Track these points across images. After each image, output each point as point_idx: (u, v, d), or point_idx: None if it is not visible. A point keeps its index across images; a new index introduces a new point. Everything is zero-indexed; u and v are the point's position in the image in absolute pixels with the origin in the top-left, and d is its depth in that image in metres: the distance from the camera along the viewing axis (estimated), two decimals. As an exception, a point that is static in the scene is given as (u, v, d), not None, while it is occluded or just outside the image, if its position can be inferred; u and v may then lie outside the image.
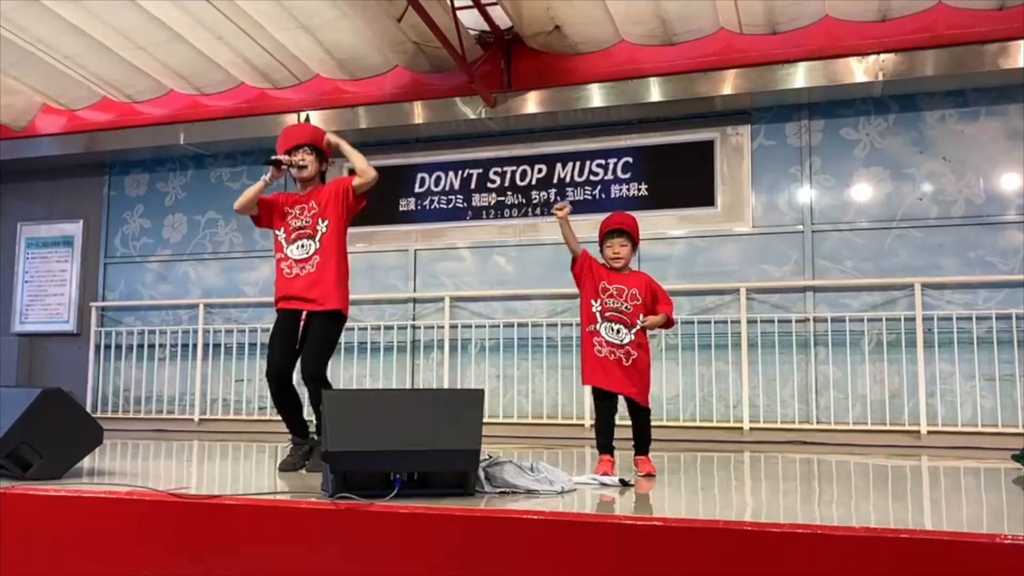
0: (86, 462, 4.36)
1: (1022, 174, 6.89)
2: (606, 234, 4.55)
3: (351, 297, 4.84)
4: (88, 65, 8.00)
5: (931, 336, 6.83)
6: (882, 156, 7.21)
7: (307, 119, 5.13)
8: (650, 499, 3.70)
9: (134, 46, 7.64)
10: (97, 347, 9.02)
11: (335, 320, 4.63)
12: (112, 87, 8.42)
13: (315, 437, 4.60)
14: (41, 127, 9.14)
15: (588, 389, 7.24)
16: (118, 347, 9.00)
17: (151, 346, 8.90)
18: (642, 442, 4.50)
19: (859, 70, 6.86)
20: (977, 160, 6.99)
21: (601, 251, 4.58)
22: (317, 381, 4.52)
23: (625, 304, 4.45)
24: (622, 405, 4.52)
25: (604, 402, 4.46)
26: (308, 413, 4.77)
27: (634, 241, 4.55)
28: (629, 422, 4.54)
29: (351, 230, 4.95)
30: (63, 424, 3.94)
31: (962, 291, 6.91)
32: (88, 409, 8.45)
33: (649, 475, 4.31)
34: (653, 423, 4.66)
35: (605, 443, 4.42)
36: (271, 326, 4.82)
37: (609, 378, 4.40)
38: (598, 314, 4.46)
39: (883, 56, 6.79)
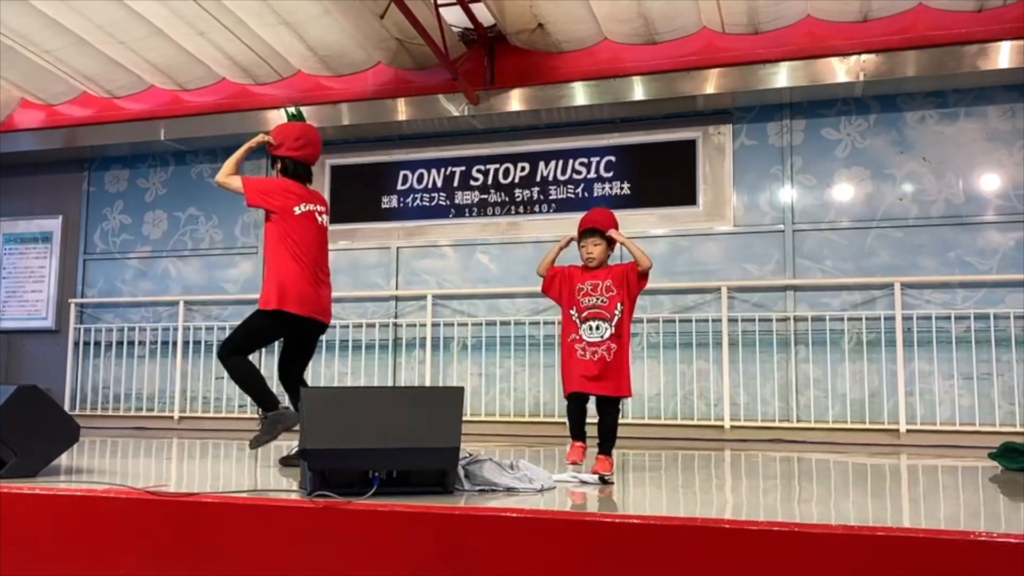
0: (63, 460, 4.32)
1: (1000, 175, 6.95)
2: (581, 234, 4.55)
3: (332, 295, 4.86)
4: (68, 60, 7.93)
5: (910, 335, 6.88)
6: (863, 156, 7.26)
7: (297, 114, 5.08)
8: (630, 497, 3.71)
9: (114, 41, 7.58)
10: (76, 344, 8.94)
11: (261, 312, 4.76)
12: (92, 82, 8.35)
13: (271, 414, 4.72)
14: (20, 122, 9.05)
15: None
16: (97, 344, 8.93)
17: (131, 343, 8.84)
18: (607, 442, 4.46)
19: (840, 70, 6.90)
20: (956, 161, 7.05)
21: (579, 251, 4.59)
22: (220, 355, 4.77)
23: (601, 298, 4.43)
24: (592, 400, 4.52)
25: (577, 404, 4.47)
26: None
27: (610, 239, 4.53)
28: (634, 421, 4.49)
29: (332, 227, 4.95)
30: (38, 421, 3.89)
31: (941, 291, 6.96)
32: (66, 407, 8.41)
33: (601, 477, 4.15)
34: (634, 420, 4.67)
35: (577, 432, 4.44)
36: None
37: (591, 384, 4.37)
38: (577, 320, 4.43)
39: (864, 56, 6.82)
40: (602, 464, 4.27)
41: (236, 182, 4.83)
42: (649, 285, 7.47)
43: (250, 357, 4.83)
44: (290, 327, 4.79)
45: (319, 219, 4.87)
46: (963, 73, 6.73)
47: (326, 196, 8.33)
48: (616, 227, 4.55)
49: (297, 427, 4.56)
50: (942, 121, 7.12)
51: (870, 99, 7.24)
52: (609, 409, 4.43)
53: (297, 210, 4.75)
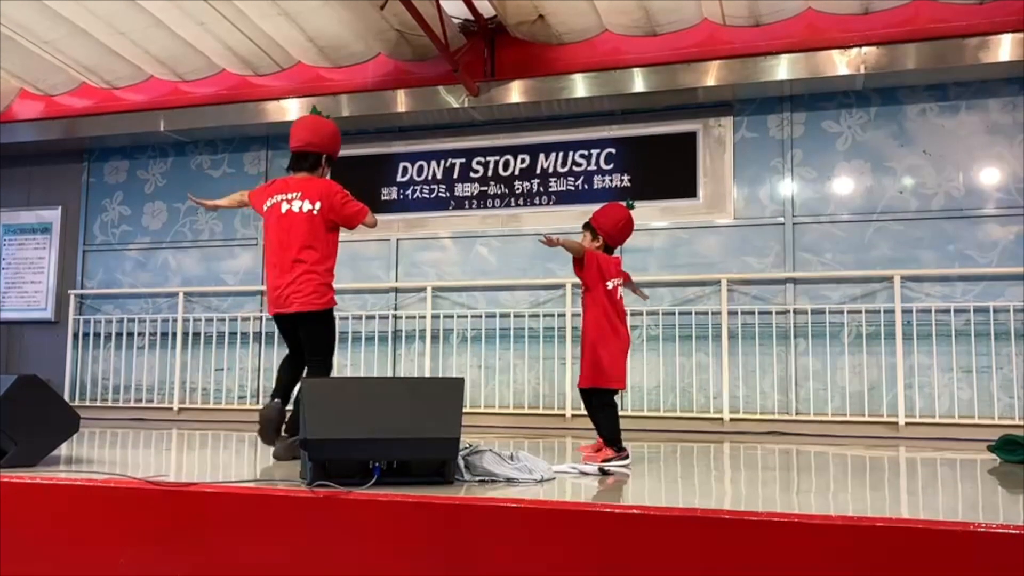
0: (63, 450, 4.33)
1: (1001, 168, 6.94)
2: None
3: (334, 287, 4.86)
4: (67, 50, 7.91)
5: (910, 328, 6.88)
6: (863, 149, 7.25)
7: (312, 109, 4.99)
8: (629, 488, 3.71)
9: (114, 32, 7.56)
10: (75, 335, 8.94)
11: None
12: (92, 73, 8.33)
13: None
14: (19, 112, 9.04)
15: (569, 379, 7.32)
16: (96, 335, 8.93)
17: (130, 334, 8.83)
18: (596, 428, 4.53)
19: (841, 63, 6.88)
20: (957, 154, 7.04)
21: None
22: None
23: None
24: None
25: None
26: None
27: (594, 231, 4.63)
28: (633, 413, 4.57)
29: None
30: (39, 411, 3.90)
31: (941, 284, 6.96)
32: (66, 398, 8.40)
33: (601, 468, 4.08)
34: (634, 412, 4.65)
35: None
36: (251, 315, 4.83)
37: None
38: None
39: (865, 49, 6.81)
40: (588, 448, 4.42)
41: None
42: (649, 277, 7.52)
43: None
44: (280, 325, 4.76)
45: (285, 207, 4.58)
46: (964, 66, 6.72)
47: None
48: (603, 222, 4.62)
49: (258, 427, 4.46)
50: (943, 114, 7.11)
51: (871, 92, 7.22)
52: (588, 399, 4.51)
53: (265, 206, 4.68)
